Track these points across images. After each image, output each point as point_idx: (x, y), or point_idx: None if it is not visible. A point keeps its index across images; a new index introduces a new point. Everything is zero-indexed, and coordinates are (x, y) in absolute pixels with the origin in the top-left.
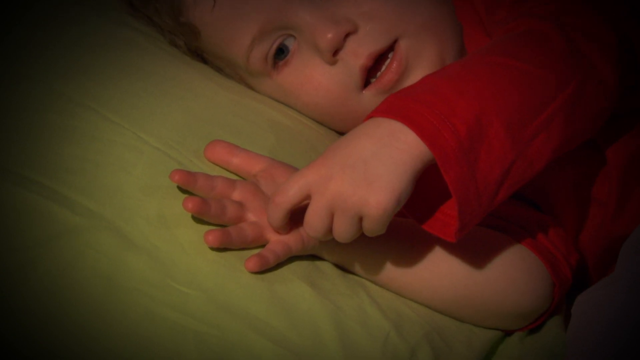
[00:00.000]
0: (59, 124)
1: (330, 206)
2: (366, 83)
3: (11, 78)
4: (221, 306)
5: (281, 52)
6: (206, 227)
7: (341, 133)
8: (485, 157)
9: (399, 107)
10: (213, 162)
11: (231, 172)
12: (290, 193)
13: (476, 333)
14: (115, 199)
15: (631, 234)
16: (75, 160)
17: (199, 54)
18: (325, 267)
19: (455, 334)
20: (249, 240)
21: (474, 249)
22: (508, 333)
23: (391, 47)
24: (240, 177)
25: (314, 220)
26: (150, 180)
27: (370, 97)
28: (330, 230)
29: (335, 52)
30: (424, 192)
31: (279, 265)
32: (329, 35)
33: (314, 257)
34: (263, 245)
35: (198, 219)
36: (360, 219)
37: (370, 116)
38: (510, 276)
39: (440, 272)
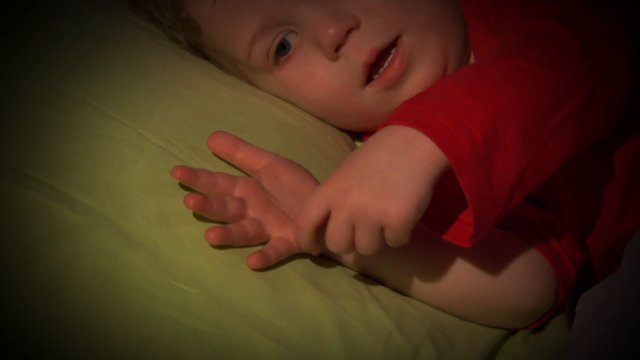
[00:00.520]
0: (59, 121)
1: (350, 220)
2: (368, 79)
3: (11, 77)
4: (222, 305)
5: (283, 48)
6: (207, 225)
7: (343, 130)
8: (501, 161)
9: (414, 113)
10: (216, 153)
11: (233, 166)
12: (310, 214)
13: (479, 332)
14: (116, 197)
15: (635, 232)
16: (75, 158)
17: (200, 50)
18: (328, 265)
19: (458, 332)
20: (250, 237)
21: (478, 247)
22: (512, 332)
23: (394, 43)
24: (243, 171)
25: (335, 235)
26: (150, 177)
27: (373, 94)
28: (352, 244)
29: (337, 48)
30: (434, 199)
31: (280, 263)
32: (331, 31)
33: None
34: (265, 242)
35: (199, 217)
36: (382, 230)
37: (384, 124)
38: (514, 274)
39: (443, 270)
